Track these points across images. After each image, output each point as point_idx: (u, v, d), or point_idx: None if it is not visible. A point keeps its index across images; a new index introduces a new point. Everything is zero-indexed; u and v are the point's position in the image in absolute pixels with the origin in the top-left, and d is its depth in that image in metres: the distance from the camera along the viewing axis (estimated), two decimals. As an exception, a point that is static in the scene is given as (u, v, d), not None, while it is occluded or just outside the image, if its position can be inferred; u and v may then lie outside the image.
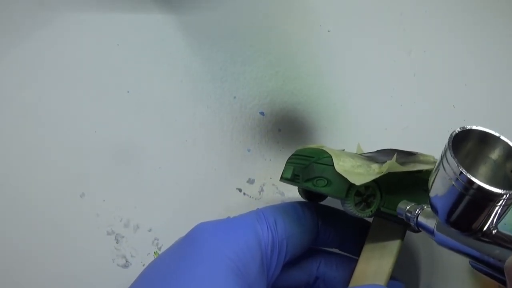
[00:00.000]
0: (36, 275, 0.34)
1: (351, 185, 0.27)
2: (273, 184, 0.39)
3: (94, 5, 0.38)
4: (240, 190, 0.38)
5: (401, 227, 0.31)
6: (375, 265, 0.30)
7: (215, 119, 0.39)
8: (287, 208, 0.31)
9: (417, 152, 0.32)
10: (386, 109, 0.42)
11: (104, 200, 0.36)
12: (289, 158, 0.33)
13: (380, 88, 0.42)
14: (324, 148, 0.30)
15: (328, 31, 0.41)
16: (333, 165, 0.28)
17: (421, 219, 0.26)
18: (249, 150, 0.39)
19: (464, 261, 0.24)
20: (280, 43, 0.40)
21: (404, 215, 0.27)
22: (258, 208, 0.31)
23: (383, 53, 0.42)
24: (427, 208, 0.26)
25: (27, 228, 0.34)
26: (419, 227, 0.26)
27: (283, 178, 0.32)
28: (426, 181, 0.29)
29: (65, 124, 0.36)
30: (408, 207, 0.27)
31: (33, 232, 0.34)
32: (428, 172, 0.29)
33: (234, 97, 0.39)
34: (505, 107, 0.44)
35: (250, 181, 0.39)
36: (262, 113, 0.39)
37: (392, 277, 0.32)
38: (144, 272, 0.27)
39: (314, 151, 0.31)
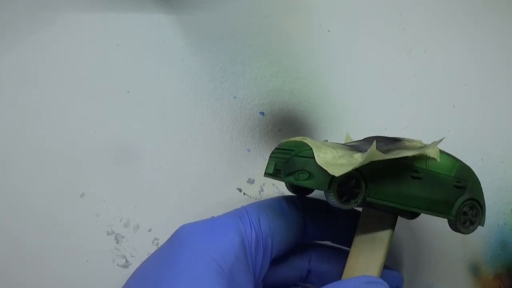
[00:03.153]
0: (36, 275, 0.34)
1: (333, 177, 0.26)
2: (273, 184, 0.39)
3: (94, 5, 0.38)
4: (240, 190, 0.38)
5: (391, 215, 0.30)
6: (366, 257, 0.30)
7: (215, 119, 0.39)
8: (272, 203, 0.31)
9: (403, 138, 0.31)
10: (386, 109, 0.42)
11: (104, 200, 0.36)
12: (272, 153, 0.31)
13: (380, 88, 0.42)
14: (305, 141, 0.29)
15: (328, 31, 0.41)
16: (314, 158, 0.27)
17: None
18: (249, 150, 0.39)
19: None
20: (280, 43, 0.40)
21: None
22: (242, 206, 0.31)
23: (383, 53, 0.42)
24: None
25: (27, 228, 0.34)
26: None
27: (266, 173, 0.31)
28: (413, 167, 0.28)
29: (65, 124, 0.36)
30: None
31: (33, 232, 0.34)
32: (414, 158, 0.28)
33: (234, 97, 0.39)
34: (505, 107, 0.44)
35: (250, 181, 0.39)
36: (262, 113, 0.39)
37: (388, 267, 0.32)
38: (129, 281, 0.27)
39: (295, 144, 0.29)
